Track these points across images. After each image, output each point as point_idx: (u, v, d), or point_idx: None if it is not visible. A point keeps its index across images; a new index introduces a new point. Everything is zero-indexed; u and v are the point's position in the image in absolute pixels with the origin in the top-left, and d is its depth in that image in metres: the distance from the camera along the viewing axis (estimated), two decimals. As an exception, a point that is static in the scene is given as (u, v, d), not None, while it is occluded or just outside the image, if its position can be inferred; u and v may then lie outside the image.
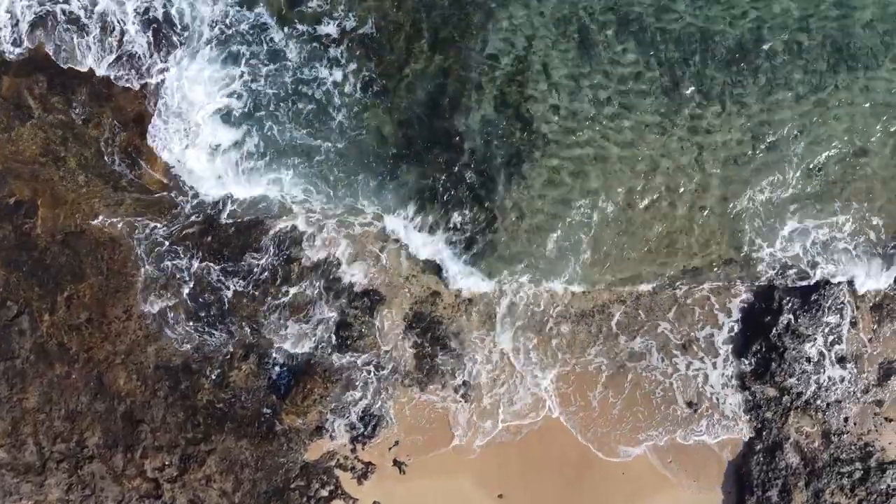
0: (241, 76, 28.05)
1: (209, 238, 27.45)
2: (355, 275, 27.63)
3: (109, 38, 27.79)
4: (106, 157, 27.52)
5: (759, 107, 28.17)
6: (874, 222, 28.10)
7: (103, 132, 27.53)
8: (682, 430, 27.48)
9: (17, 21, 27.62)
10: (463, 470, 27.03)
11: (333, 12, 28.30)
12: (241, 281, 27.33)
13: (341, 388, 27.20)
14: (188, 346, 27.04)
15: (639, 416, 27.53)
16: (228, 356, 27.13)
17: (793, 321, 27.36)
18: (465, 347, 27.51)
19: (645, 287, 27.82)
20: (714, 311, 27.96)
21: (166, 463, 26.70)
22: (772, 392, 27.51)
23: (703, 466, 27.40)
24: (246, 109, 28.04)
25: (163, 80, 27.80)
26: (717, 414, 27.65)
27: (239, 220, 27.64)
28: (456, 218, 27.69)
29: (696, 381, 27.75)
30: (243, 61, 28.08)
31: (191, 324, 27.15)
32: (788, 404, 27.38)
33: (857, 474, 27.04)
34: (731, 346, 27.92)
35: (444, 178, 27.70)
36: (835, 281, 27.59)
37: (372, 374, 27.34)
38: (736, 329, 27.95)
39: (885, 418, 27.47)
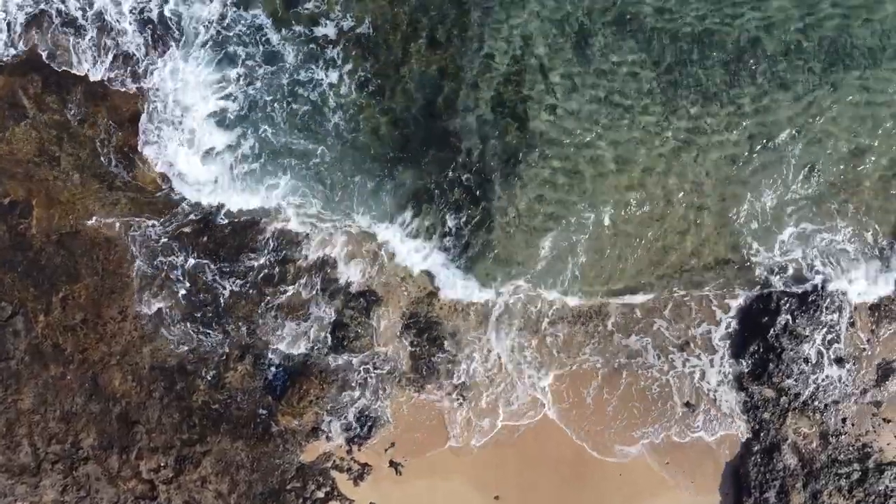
0: (237, 78, 28.00)
1: (205, 238, 27.39)
2: (352, 275, 27.57)
3: (105, 40, 27.74)
4: (101, 158, 27.46)
5: (756, 107, 28.10)
6: (872, 224, 28.02)
7: (98, 132, 27.48)
8: (679, 426, 27.36)
9: (10, 22, 27.50)
10: (459, 471, 26.94)
11: (330, 13, 28.26)
12: (237, 281, 27.26)
13: (337, 389, 27.11)
14: (184, 346, 26.96)
15: (634, 412, 27.41)
16: (224, 357, 27.05)
17: (790, 322, 27.28)
18: (462, 348, 27.43)
19: (643, 297, 27.66)
20: (712, 308, 27.87)
21: (162, 464, 26.62)
22: (769, 393, 27.43)
23: (701, 467, 27.31)
24: (241, 112, 27.98)
25: (157, 83, 27.71)
26: (713, 410, 27.56)
27: (235, 221, 27.61)
28: (451, 221, 27.60)
29: (693, 378, 27.64)
30: (239, 62, 28.03)
31: (186, 324, 27.08)
32: (786, 405, 27.29)
33: (855, 475, 26.94)
34: (728, 342, 27.81)
35: (440, 178, 27.66)
36: (831, 287, 27.43)
37: (368, 374, 27.26)
38: (734, 325, 27.86)
39: (884, 419, 27.38)
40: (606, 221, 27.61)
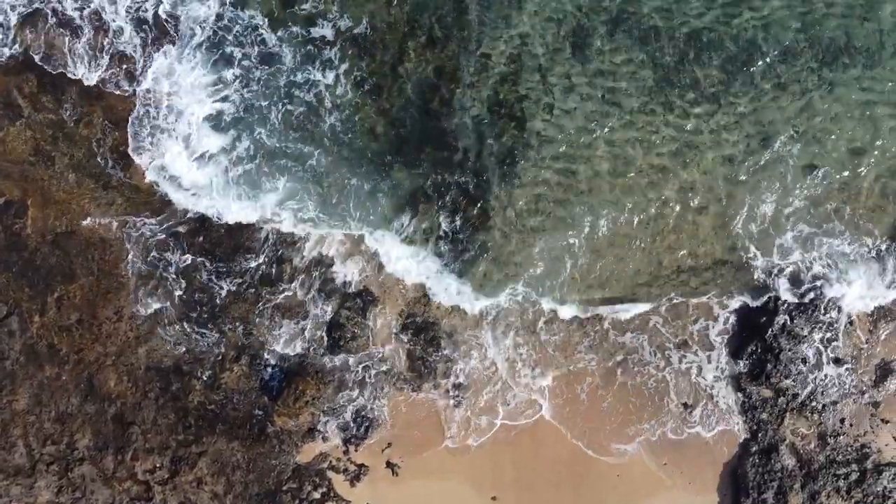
0: (233, 80, 27.80)
1: (201, 238, 27.30)
2: (348, 275, 27.49)
3: (100, 41, 27.56)
4: (98, 157, 27.37)
5: (754, 107, 28.05)
6: (870, 226, 27.94)
7: (94, 131, 27.38)
8: (675, 422, 27.24)
9: (3, 23, 27.36)
10: (456, 472, 26.87)
11: (328, 13, 28.16)
12: (233, 281, 27.17)
13: (334, 389, 27.03)
14: (180, 347, 26.87)
15: (630, 408, 27.30)
16: (220, 357, 26.97)
17: (788, 322, 27.21)
18: (459, 347, 27.35)
19: (640, 308, 27.56)
20: (710, 305, 27.78)
21: (157, 465, 26.53)
22: (767, 393, 27.36)
23: (699, 468, 27.23)
24: (237, 114, 27.79)
25: (151, 85, 27.53)
26: (710, 405, 27.45)
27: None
28: (447, 224, 27.46)
29: (690, 375, 27.54)
30: (235, 63, 27.88)
31: (182, 325, 26.99)
32: (784, 406, 27.22)
33: (854, 476, 26.88)
34: (726, 338, 27.70)
35: (436, 178, 27.55)
36: (830, 293, 27.34)
37: (365, 375, 27.17)
38: (732, 320, 27.77)
39: (882, 420, 27.32)
40: (604, 222, 27.53)
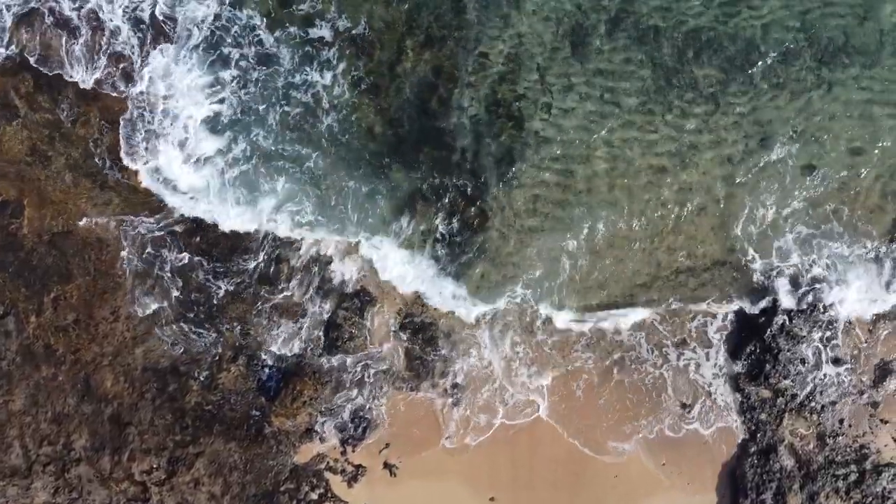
0: (230, 81, 27.71)
1: (198, 238, 27.25)
2: (346, 274, 27.42)
3: (97, 41, 27.46)
4: (94, 157, 27.31)
5: (753, 106, 28.00)
6: (869, 227, 27.87)
7: (91, 131, 27.33)
8: (673, 418, 27.16)
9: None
10: (454, 472, 26.80)
11: (325, 13, 28.10)
12: (230, 281, 27.10)
13: (331, 389, 26.97)
14: (177, 347, 26.80)
15: (627, 404, 27.23)
16: (217, 357, 26.90)
17: (787, 322, 27.16)
18: (457, 347, 27.29)
19: (639, 314, 27.50)
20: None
21: (154, 466, 26.45)
22: (766, 394, 27.29)
23: (697, 468, 27.17)
24: (234, 116, 27.68)
25: (146, 87, 27.43)
26: (709, 401, 27.38)
27: (228, 221, 27.49)
28: (444, 226, 27.39)
29: (688, 372, 27.47)
30: (232, 64, 27.79)
31: (179, 325, 26.92)
32: (783, 406, 27.16)
33: (853, 477, 26.81)
34: (724, 335, 27.63)
35: (434, 179, 27.49)
36: (829, 298, 27.28)
37: (363, 374, 27.10)
38: (730, 318, 27.70)
39: (881, 420, 27.26)
40: (602, 223, 27.47)
